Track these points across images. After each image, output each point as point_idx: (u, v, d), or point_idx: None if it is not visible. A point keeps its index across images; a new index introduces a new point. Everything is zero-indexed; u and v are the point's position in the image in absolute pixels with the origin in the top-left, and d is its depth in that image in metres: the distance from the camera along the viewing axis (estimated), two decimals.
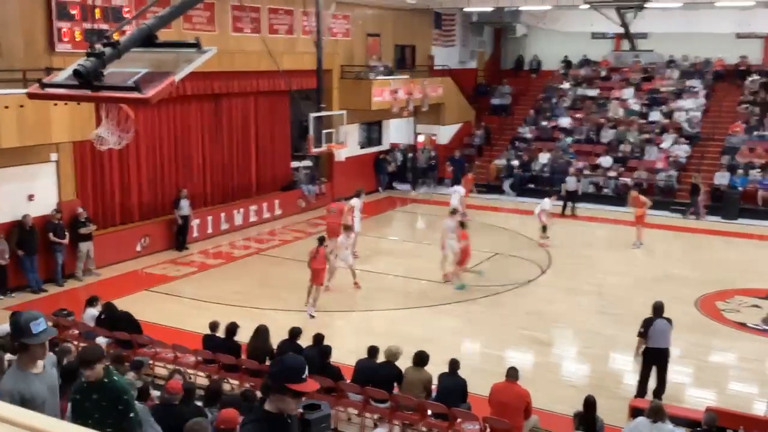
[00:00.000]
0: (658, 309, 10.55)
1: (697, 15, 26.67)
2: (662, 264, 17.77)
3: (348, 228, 15.75)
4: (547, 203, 19.42)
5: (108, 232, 17.25)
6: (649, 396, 10.22)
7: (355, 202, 17.75)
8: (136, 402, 6.84)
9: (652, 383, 10.53)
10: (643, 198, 19.44)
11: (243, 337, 10.82)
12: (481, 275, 16.07)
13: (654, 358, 10.42)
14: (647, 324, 10.41)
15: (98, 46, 5.31)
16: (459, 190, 20.88)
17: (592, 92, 29.25)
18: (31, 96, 5.81)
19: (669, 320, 10.49)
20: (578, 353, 12.79)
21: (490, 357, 12.23)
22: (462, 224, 16.16)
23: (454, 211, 17.03)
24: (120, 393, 5.46)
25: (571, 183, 23.23)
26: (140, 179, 18.13)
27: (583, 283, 16.08)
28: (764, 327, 13.58)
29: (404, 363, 9.68)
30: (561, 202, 22.54)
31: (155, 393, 8.33)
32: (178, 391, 7.41)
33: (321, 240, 14.54)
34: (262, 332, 10.58)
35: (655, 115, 26.94)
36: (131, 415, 5.47)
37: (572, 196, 23.03)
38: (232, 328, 10.61)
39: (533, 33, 32.21)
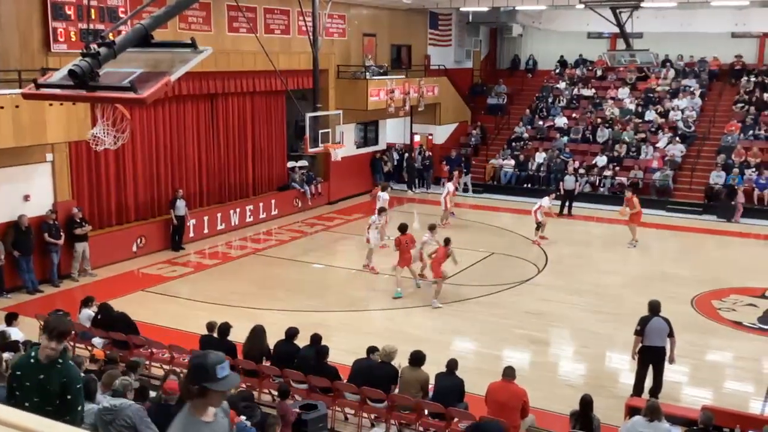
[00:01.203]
0: (654, 307, 10.56)
1: (692, 15, 26.75)
2: (658, 263, 17.81)
3: (382, 210, 17.25)
4: (546, 201, 19.42)
5: (104, 232, 17.22)
6: (646, 395, 10.23)
7: (385, 197, 19.18)
8: (132, 403, 6.85)
9: (648, 382, 10.54)
10: (636, 200, 19.41)
11: (239, 337, 10.82)
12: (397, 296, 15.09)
13: (650, 357, 10.42)
14: (643, 322, 10.42)
15: (94, 46, 5.29)
16: (448, 187, 21.11)
17: (588, 92, 29.31)
18: (27, 96, 5.79)
19: (666, 319, 10.49)
20: (575, 352, 12.80)
21: (487, 356, 12.24)
22: (405, 228, 15.68)
23: (381, 210, 17.34)
24: (73, 380, 4.93)
25: (569, 182, 23.24)
26: (136, 179, 18.09)
27: (580, 283, 16.09)
28: (761, 326, 13.61)
29: (401, 363, 9.67)
30: (559, 201, 22.59)
31: (152, 393, 8.31)
32: (175, 391, 7.38)
33: (447, 241, 14.89)
34: (258, 332, 10.57)
35: (651, 115, 26.98)
36: (78, 408, 4.99)
37: (570, 195, 23.05)
38: (225, 329, 10.60)
39: (529, 33, 32.25)
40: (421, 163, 27.24)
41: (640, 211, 19.20)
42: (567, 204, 22.94)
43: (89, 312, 11.79)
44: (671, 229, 21.41)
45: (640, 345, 10.45)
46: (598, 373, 11.73)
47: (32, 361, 4.88)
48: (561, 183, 23.36)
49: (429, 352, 9.80)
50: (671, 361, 10.45)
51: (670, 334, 10.39)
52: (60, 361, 4.86)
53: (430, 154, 27.51)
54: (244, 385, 10.27)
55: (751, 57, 28.38)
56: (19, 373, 4.86)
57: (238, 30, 19.54)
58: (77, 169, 16.40)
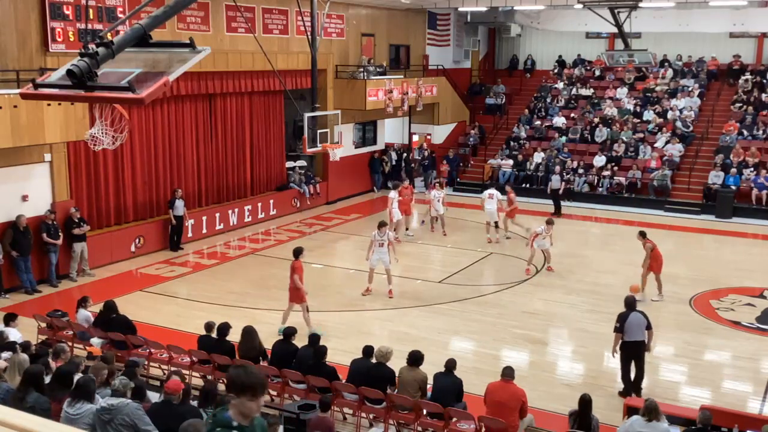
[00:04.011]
0: (630, 303, 10.81)
1: (690, 15, 26.77)
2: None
3: (383, 225, 15.20)
4: (492, 195, 19.33)
5: (102, 232, 17.21)
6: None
7: (393, 194, 19.18)
8: (130, 401, 6.85)
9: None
10: (513, 195, 19.78)
11: (236, 337, 10.81)
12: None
13: (631, 352, 10.61)
14: (622, 319, 10.60)
15: (92, 46, 5.29)
16: (436, 195, 20.14)
17: (586, 92, 29.33)
18: (25, 96, 5.78)
19: (643, 313, 10.66)
20: (573, 352, 12.81)
21: (486, 356, 12.24)
22: (297, 253, 13.34)
23: (382, 224, 15.24)
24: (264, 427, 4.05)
25: (555, 182, 23.26)
26: (134, 179, 18.07)
27: (578, 282, 16.10)
28: (759, 326, 13.63)
29: (399, 362, 9.67)
30: (549, 200, 22.77)
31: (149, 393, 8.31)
32: (177, 391, 7.38)
33: (642, 234, 15.04)
34: (249, 333, 10.56)
35: (649, 115, 27.00)
36: None
37: (555, 195, 23.02)
38: (224, 329, 10.60)
39: (527, 33, 32.27)
40: (419, 163, 27.22)
41: (516, 207, 19.66)
42: (554, 204, 22.92)
43: (86, 312, 11.77)
44: (669, 228, 21.41)
45: (621, 341, 10.63)
46: (597, 373, 11.72)
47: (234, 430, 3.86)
48: (549, 183, 23.45)
49: (427, 351, 9.80)
50: (648, 350, 10.70)
51: (648, 327, 10.60)
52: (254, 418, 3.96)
53: (429, 152, 27.44)
54: None
55: (749, 57, 28.40)
56: None
57: (236, 30, 19.54)
58: (75, 169, 16.38)
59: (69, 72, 5.17)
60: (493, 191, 19.63)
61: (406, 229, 19.96)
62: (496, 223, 19.54)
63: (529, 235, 17.08)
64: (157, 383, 9.47)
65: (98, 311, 11.70)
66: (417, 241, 19.63)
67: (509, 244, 19.38)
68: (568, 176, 24.96)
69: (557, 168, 24.04)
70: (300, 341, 10.49)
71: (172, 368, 10.59)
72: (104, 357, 9.11)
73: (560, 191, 23.10)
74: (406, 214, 19.69)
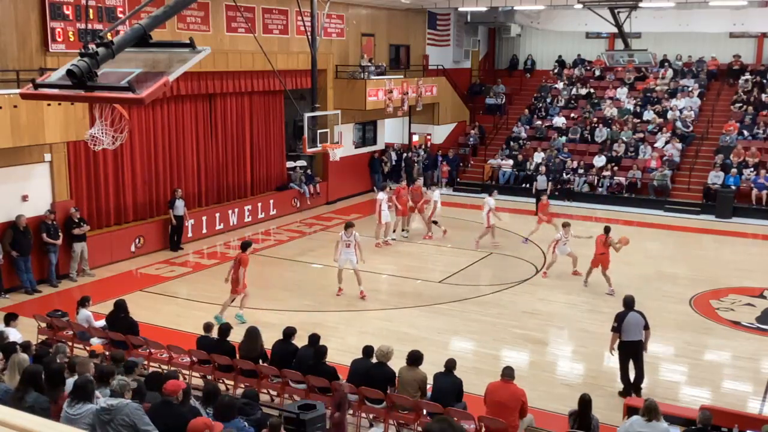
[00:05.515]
0: (629, 303, 10.82)
1: (690, 15, 26.78)
2: (656, 263, 17.82)
3: (350, 226, 15.12)
4: (491, 201, 19.10)
5: (102, 232, 17.21)
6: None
7: (381, 196, 19.03)
8: (130, 401, 6.84)
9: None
10: (423, 189, 20.01)
11: (236, 338, 10.81)
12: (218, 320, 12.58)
13: (629, 351, 10.63)
14: (620, 318, 10.63)
15: (92, 46, 5.29)
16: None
17: (586, 92, 29.32)
18: (25, 96, 5.77)
19: (641, 312, 10.67)
20: (573, 352, 12.81)
21: (485, 356, 12.24)
22: (245, 246, 13.83)
23: (349, 226, 15.05)
24: None
25: (541, 182, 23.24)
26: (134, 179, 18.07)
27: (578, 282, 16.09)
28: (759, 326, 13.63)
29: (399, 362, 9.67)
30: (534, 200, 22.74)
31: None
32: (175, 391, 7.37)
33: (607, 229, 15.64)
34: (252, 334, 10.55)
35: (649, 115, 27.01)
36: None
37: (540, 195, 22.94)
38: (225, 329, 10.60)
39: (527, 33, 32.28)
40: (421, 162, 27.20)
41: (405, 200, 19.74)
42: (537, 204, 22.85)
43: (87, 312, 11.76)
44: (669, 228, 21.43)
45: (618, 340, 10.67)
46: (597, 373, 11.72)
47: None
48: (535, 183, 23.44)
49: (427, 351, 9.80)
50: (644, 349, 10.72)
51: (645, 327, 10.64)
52: None
53: (431, 151, 27.39)
54: (242, 386, 10.27)
55: (749, 57, 28.42)
56: None
57: (236, 30, 19.54)
58: (75, 169, 16.38)
59: (69, 72, 5.17)
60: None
61: (402, 230, 19.96)
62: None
63: (550, 241, 16.92)
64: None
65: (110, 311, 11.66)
66: (417, 241, 19.63)
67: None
68: (568, 176, 24.98)
69: (543, 168, 24.05)
70: (300, 341, 10.49)
71: (164, 367, 10.60)
72: (114, 357, 9.11)
73: (547, 191, 23.01)
74: (402, 215, 19.67)
